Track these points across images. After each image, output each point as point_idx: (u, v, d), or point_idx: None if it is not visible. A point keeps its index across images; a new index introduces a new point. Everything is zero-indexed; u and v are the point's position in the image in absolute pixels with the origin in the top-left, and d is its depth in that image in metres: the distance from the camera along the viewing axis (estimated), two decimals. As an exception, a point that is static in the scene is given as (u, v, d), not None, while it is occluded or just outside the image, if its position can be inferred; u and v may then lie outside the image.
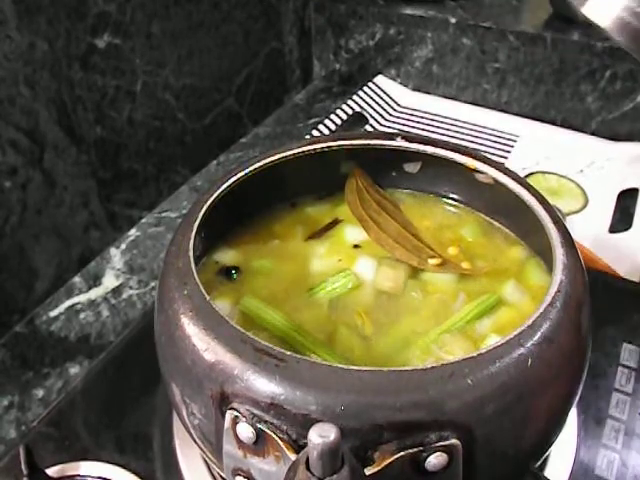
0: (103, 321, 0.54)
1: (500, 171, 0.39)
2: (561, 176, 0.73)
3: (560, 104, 0.82)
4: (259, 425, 0.26)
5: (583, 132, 0.81)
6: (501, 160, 0.75)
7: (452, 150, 0.41)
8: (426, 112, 0.87)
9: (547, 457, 0.37)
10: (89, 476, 0.37)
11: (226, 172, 0.39)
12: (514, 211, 0.38)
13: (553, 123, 0.83)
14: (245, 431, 0.26)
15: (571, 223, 0.65)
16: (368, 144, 0.42)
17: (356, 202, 0.43)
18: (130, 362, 0.45)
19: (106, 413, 0.42)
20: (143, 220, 0.66)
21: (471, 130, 0.83)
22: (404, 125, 0.85)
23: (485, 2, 0.90)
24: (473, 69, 0.85)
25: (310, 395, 0.25)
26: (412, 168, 0.45)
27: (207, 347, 0.28)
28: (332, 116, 0.84)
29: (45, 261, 0.56)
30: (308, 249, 0.41)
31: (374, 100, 0.89)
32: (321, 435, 0.21)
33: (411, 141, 0.42)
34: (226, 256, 0.40)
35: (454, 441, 0.25)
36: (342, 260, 0.40)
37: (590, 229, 0.65)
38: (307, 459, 0.22)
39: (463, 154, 0.41)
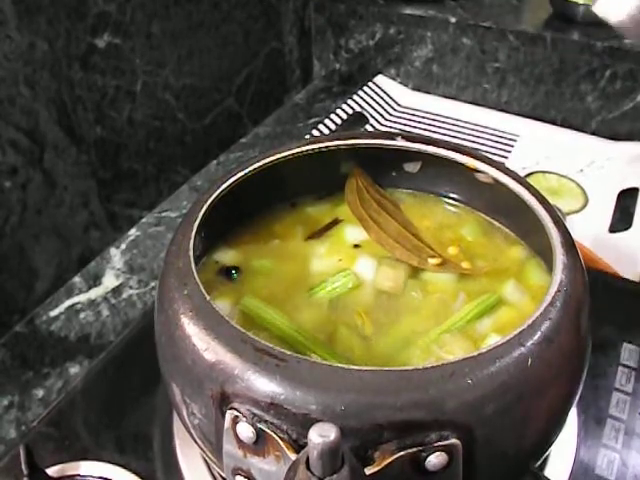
0: (103, 321, 0.54)
1: (500, 171, 0.39)
2: (561, 176, 0.73)
3: (560, 104, 0.82)
4: (259, 425, 0.26)
5: (583, 132, 0.81)
6: (501, 160, 0.75)
7: (452, 150, 0.41)
8: (426, 112, 0.87)
9: (547, 457, 0.37)
10: (89, 476, 0.37)
11: (226, 172, 0.39)
12: (514, 211, 0.38)
13: (553, 123, 0.83)
14: (245, 431, 0.26)
15: (571, 223, 0.65)
16: (368, 144, 0.42)
17: (356, 202, 0.43)
18: (130, 362, 0.45)
19: (106, 413, 0.42)
20: (143, 220, 0.66)
21: (471, 130, 0.83)
22: (404, 125, 0.85)
23: (485, 2, 0.90)
24: (473, 69, 0.85)
25: (310, 395, 0.25)
26: (412, 168, 0.45)
27: (207, 347, 0.28)
28: (332, 116, 0.85)
29: (45, 261, 0.56)
30: (308, 249, 0.41)
31: (374, 100, 0.89)
32: (321, 435, 0.21)
33: (411, 141, 0.42)
34: (226, 256, 0.40)
35: (454, 441, 0.25)
36: (342, 260, 0.40)
37: (590, 229, 0.65)
38: (307, 459, 0.22)
39: (463, 154, 0.41)
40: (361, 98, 0.88)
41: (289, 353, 0.27)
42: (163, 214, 0.67)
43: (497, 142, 0.81)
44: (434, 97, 0.90)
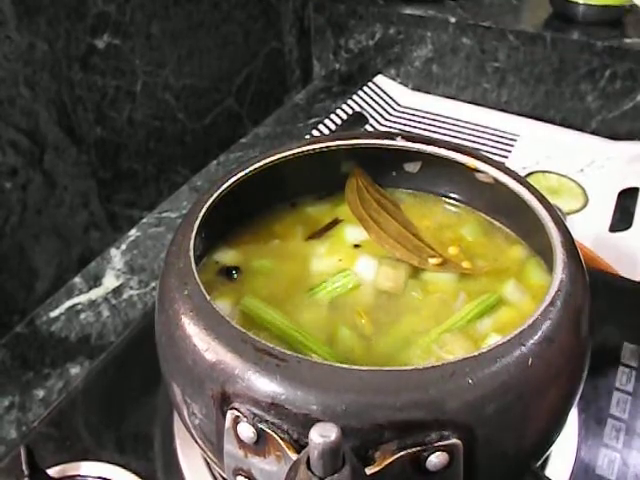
0: (103, 321, 0.54)
1: (500, 170, 0.39)
2: (561, 175, 0.73)
3: (560, 103, 0.82)
4: (260, 425, 0.26)
5: (583, 131, 0.81)
6: (501, 159, 0.75)
7: (452, 150, 0.41)
8: (426, 112, 0.87)
9: (548, 456, 0.37)
10: (90, 476, 0.37)
11: (226, 172, 0.39)
12: (514, 211, 0.38)
13: (553, 122, 0.83)
14: (246, 431, 0.26)
15: (571, 222, 0.65)
16: (368, 144, 0.42)
17: (356, 202, 0.43)
18: (131, 362, 0.45)
19: (107, 413, 0.42)
20: (143, 220, 0.66)
21: (471, 130, 0.83)
22: (404, 125, 0.85)
23: (485, 2, 0.90)
24: (473, 69, 0.85)
25: (311, 395, 0.25)
26: (412, 168, 0.45)
27: (208, 347, 0.28)
28: (332, 116, 0.85)
29: (45, 261, 0.56)
30: (308, 249, 0.41)
31: (374, 100, 0.89)
32: (322, 435, 0.21)
33: (411, 141, 0.42)
34: (226, 256, 0.40)
35: (455, 440, 0.25)
36: (342, 260, 0.40)
37: (590, 228, 0.65)
38: (308, 459, 0.22)
39: (463, 154, 0.41)
40: (361, 98, 0.88)
41: (289, 353, 0.27)
42: (163, 214, 0.67)
43: (497, 142, 0.81)
44: (434, 97, 0.90)
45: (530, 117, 0.84)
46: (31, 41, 0.49)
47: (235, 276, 0.38)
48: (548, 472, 0.37)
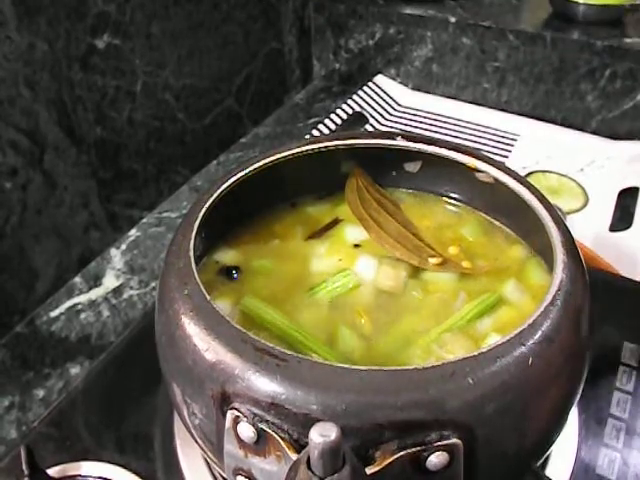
0: (104, 321, 0.54)
1: (500, 170, 0.39)
2: (561, 175, 0.73)
3: (560, 103, 0.82)
4: (260, 425, 0.26)
5: (583, 131, 0.81)
6: (501, 159, 0.75)
7: (452, 149, 0.41)
8: (426, 111, 0.87)
9: (548, 456, 0.37)
10: (90, 476, 0.37)
11: (226, 172, 0.39)
12: (514, 210, 0.38)
13: (553, 122, 0.83)
14: (246, 431, 0.26)
15: (571, 222, 0.65)
16: (368, 143, 0.42)
17: (356, 202, 0.43)
18: (131, 362, 0.45)
19: (107, 413, 0.42)
20: (143, 220, 0.66)
21: (471, 129, 0.83)
22: (404, 124, 0.85)
23: (485, 1, 0.90)
24: (473, 68, 0.85)
25: (311, 395, 0.25)
26: (412, 167, 0.45)
27: (208, 347, 0.28)
28: (332, 116, 0.85)
29: (45, 261, 0.56)
30: (308, 249, 0.41)
31: (374, 100, 0.89)
32: (322, 434, 0.21)
33: (411, 140, 0.42)
34: (226, 256, 0.40)
35: (455, 440, 0.25)
36: (342, 260, 0.40)
37: (590, 228, 0.65)
38: (308, 458, 0.22)
39: (463, 153, 0.41)
40: (361, 98, 0.88)
41: (289, 353, 0.27)
42: (163, 214, 0.67)
43: (497, 142, 0.81)
44: (434, 97, 0.90)
45: (530, 117, 0.84)
46: (31, 41, 0.50)
47: (235, 276, 0.38)
48: (548, 472, 0.37)
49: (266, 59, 0.82)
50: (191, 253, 0.33)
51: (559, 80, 0.80)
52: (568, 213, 0.67)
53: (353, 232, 0.42)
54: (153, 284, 0.58)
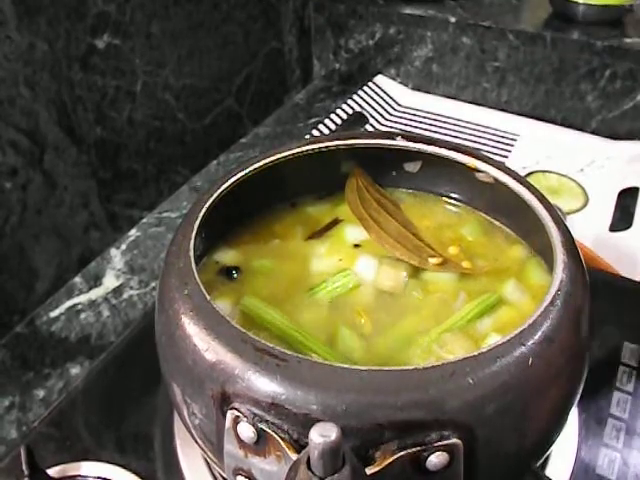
0: (104, 321, 0.54)
1: (500, 170, 0.39)
2: (561, 175, 0.73)
3: (560, 103, 0.82)
4: (260, 425, 0.26)
5: (583, 131, 0.81)
6: (501, 159, 0.75)
7: (452, 149, 0.41)
8: (426, 112, 0.87)
9: (548, 456, 0.37)
10: (90, 476, 0.37)
11: (226, 172, 0.39)
12: (514, 210, 0.38)
13: (553, 122, 0.83)
14: (246, 431, 0.26)
15: (571, 222, 0.65)
16: (368, 143, 0.42)
17: (356, 201, 0.43)
18: (131, 362, 0.45)
19: (107, 413, 0.42)
20: (143, 220, 0.66)
21: (471, 129, 0.83)
22: (404, 124, 0.85)
23: (485, 1, 0.90)
24: (473, 68, 0.85)
25: (311, 395, 0.25)
26: (412, 167, 0.45)
27: (208, 347, 0.28)
28: (332, 116, 0.85)
29: (45, 261, 0.56)
30: (308, 249, 0.41)
31: (374, 100, 0.89)
32: (322, 435, 0.21)
33: (411, 140, 0.42)
34: (226, 256, 0.40)
35: (455, 440, 0.25)
36: (342, 260, 0.40)
37: (590, 228, 0.65)
38: (308, 459, 0.22)
39: (463, 153, 0.41)
40: (361, 98, 0.88)
41: (289, 353, 0.27)
42: (163, 214, 0.67)
43: (497, 142, 0.81)
44: (434, 97, 0.90)
45: (530, 117, 0.84)
46: (31, 41, 0.49)
47: (235, 276, 0.38)
48: (548, 472, 0.37)
49: (266, 59, 0.82)
50: (191, 253, 0.33)
51: (559, 80, 0.80)
52: (568, 213, 0.67)
53: (353, 232, 0.42)
54: (153, 284, 0.58)
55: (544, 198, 0.37)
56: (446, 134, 0.82)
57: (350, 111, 0.86)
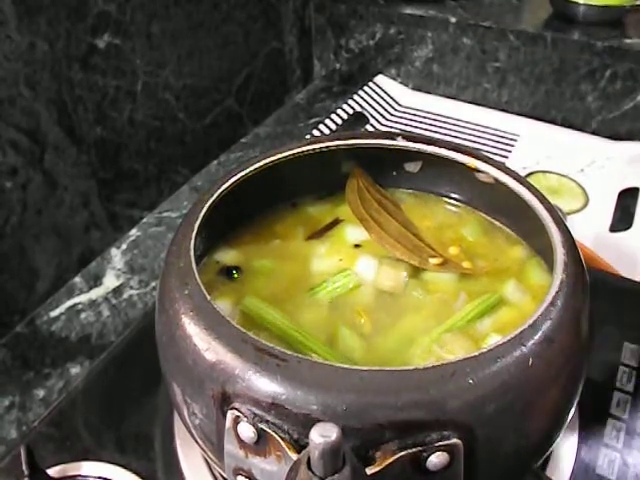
0: (104, 321, 0.54)
1: (501, 170, 0.39)
2: (562, 175, 0.73)
3: (560, 103, 0.82)
4: (260, 425, 0.26)
5: (583, 131, 0.81)
6: (502, 159, 0.75)
7: (453, 149, 0.41)
8: (426, 112, 0.87)
9: (548, 456, 0.37)
10: (90, 476, 0.37)
11: (227, 172, 0.39)
12: (515, 210, 0.38)
13: (553, 122, 0.83)
14: (246, 431, 0.26)
15: (572, 222, 0.65)
16: (369, 144, 0.42)
17: (357, 202, 0.43)
18: (131, 362, 0.45)
19: (107, 413, 0.42)
20: (144, 220, 0.66)
21: (472, 129, 0.83)
22: (404, 125, 0.85)
23: (485, 2, 0.90)
24: (473, 69, 0.85)
25: (311, 395, 0.25)
26: (413, 168, 0.45)
27: (208, 347, 0.28)
28: (332, 116, 0.85)
29: (45, 261, 0.56)
30: (309, 249, 0.41)
31: (374, 100, 0.89)
32: (322, 435, 0.21)
33: (412, 141, 0.42)
34: (227, 256, 0.40)
35: (455, 440, 0.25)
36: (343, 260, 0.40)
37: (591, 228, 0.65)
38: (308, 459, 0.22)
39: (464, 153, 0.41)
40: (361, 98, 0.88)
41: (290, 353, 0.27)
42: (164, 214, 0.67)
43: (497, 142, 0.81)
44: (434, 97, 0.90)
45: (530, 117, 0.84)
46: (31, 41, 0.50)
47: (235, 276, 0.38)
48: (548, 472, 0.37)
49: (266, 59, 0.82)
50: (191, 253, 0.33)
51: (559, 80, 0.80)
52: (568, 213, 0.67)
53: (353, 232, 0.42)
54: (153, 284, 0.58)
55: (544, 198, 0.37)
56: (446, 134, 0.82)
57: (350, 111, 0.86)
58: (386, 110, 0.88)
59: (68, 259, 0.58)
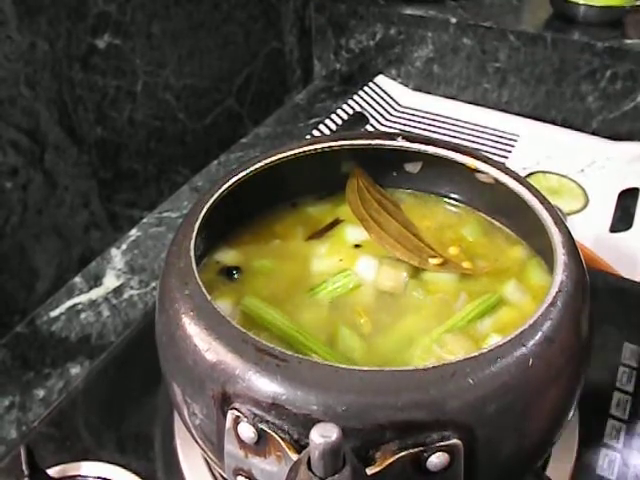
0: (104, 321, 0.54)
1: (501, 171, 0.39)
2: (562, 176, 0.73)
3: (561, 104, 0.82)
4: (260, 425, 0.26)
5: (584, 132, 0.81)
6: (502, 160, 0.75)
7: (453, 150, 0.41)
8: (427, 112, 0.87)
9: (548, 456, 0.37)
10: (90, 476, 0.37)
11: (227, 172, 0.39)
12: (515, 211, 0.38)
13: (554, 123, 0.83)
14: (246, 431, 0.26)
15: (572, 223, 0.65)
16: (369, 144, 0.42)
17: (357, 202, 0.43)
18: (131, 362, 0.45)
19: (107, 413, 0.42)
20: (144, 220, 0.66)
21: (472, 130, 0.83)
22: (405, 125, 0.85)
23: (485, 2, 0.90)
24: (474, 69, 0.85)
25: (311, 395, 0.25)
26: (413, 168, 0.45)
27: (208, 347, 0.28)
28: (333, 116, 0.85)
29: (46, 261, 0.56)
30: (309, 249, 0.41)
31: (375, 100, 0.89)
32: (323, 435, 0.21)
33: (412, 141, 0.42)
34: (227, 256, 0.40)
35: (455, 441, 0.25)
36: (343, 260, 0.40)
37: (591, 229, 0.65)
38: (309, 459, 0.22)
39: (464, 154, 0.41)
40: (362, 98, 0.88)
41: (290, 353, 0.27)
42: (164, 214, 0.67)
43: (497, 142, 0.81)
44: (435, 97, 0.90)
45: (531, 117, 0.84)
46: (32, 41, 0.50)
47: (236, 276, 0.38)
48: (548, 472, 0.37)
49: (267, 59, 0.82)
50: (192, 253, 0.33)
51: (560, 81, 0.80)
52: (568, 214, 0.67)
53: (354, 232, 0.42)
54: (153, 284, 0.58)
55: (544, 199, 0.37)
56: (446, 134, 0.82)
57: (351, 111, 0.86)
58: (386, 110, 0.88)
59: (68, 259, 0.58)
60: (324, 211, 0.44)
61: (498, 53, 0.82)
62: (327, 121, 0.83)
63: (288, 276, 0.39)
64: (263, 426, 0.26)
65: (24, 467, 0.35)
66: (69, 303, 0.56)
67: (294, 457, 0.25)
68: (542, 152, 0.77)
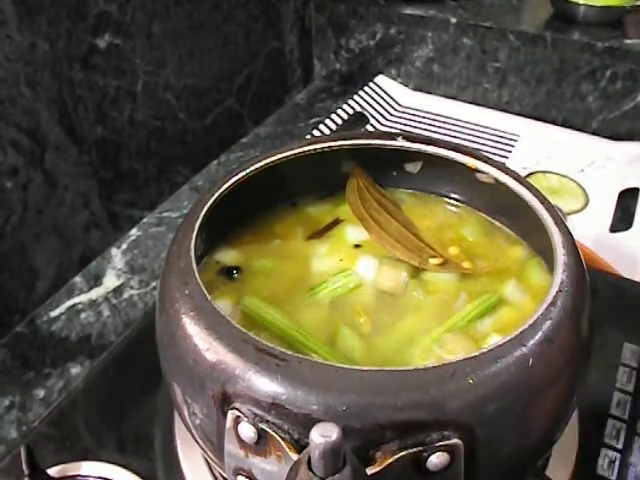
0: (104, 321, 0.54)
1: (501, 171, 0.39)
2: (562, 176, 0.73)
3: (561, 104, 0.82)
4: (261, 425, 0.26)
5: (584, 132, 0.81)
6: (502, 160, 0.75)
7: (453, 150, 0.41)
8: (427, 112, 0.87)
9: (548, 456, 0.37)
10: (90, 476, 0.37)
11: (227, 172, 0.39)
12: (515, 211, 0.38)
13: (554, 123, 0.83)
14: (247, 431, 0.26)
15: (572, 223, 0.65)
16: (369, 144, 0.42)
17: (357, 202, 0.43)
18: (131, 362, 0.45)
19: (107, 413, 0.42)
20: (144, 220, 0.66)
21: (472, 130, 0.83)
22: (405, 125, 0.85)
23: (485, 2, 0.90)
24: (474, 69, 0.85)
25: (312, 395, 0.25)
26: (413, 168, 0.45)
27: (208, 347, 0.28)
28: (333, 116, 0.85)
29: (46, 261, 0.56)
30: (309, 249, 0.41)
31: (375, 100, 0.89)
32: (323, 435, 0.21)
33: (412, 141, 0.42)
34: (227, 256, 0.40)
35: (455, 441, 0.25)
36: (343, 260, 0.40)
37: (591, 228, 0.65)
38: (309, 459, 0.22)
39: (464, 154, 0.41)
40: (362, 98, 0.88)
41: (290, 353, 0.27)
42: (164, 214, 0.67)
43: (498, 142, 0.81)
44: (435, 97, 0.90)
45: (531, 117, 0.84)
46: (32, 41, 0.50)
47: (236, 276, 0.38)
48: (548, 472, 0.37)
49: (267, 59, 0.82)
50: (192, 253, 0.33)
51: (560, 81, 0.80)
52: (568, 214, 0.67)
53: (354, 232, 0.42)
54: (154, 284, 0.58)
55: (545, 199, 0.37)
56: (447, 134, 0.82)
57: (351, 111, 0.86)
58: (386, 110, 0.88)
59: (68, 259, 0.58)
60: (324, 211, 0.44)
61: (498, 53, 0.82)
62: (327, 121, 0.83)
63: (288, 276, 0.39)
64: (263, 426, 0.26)
65: (24, 467, 0.35)
66: (69, 303, 0.56)
67: (294, 457, 0.25)
68: (542, 152, 0.77)
